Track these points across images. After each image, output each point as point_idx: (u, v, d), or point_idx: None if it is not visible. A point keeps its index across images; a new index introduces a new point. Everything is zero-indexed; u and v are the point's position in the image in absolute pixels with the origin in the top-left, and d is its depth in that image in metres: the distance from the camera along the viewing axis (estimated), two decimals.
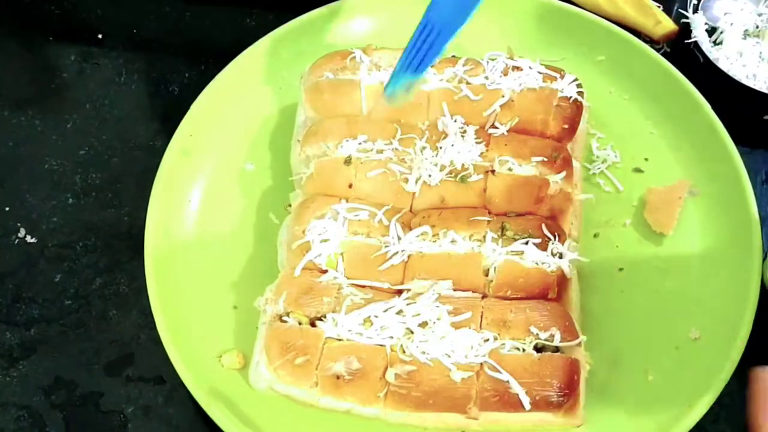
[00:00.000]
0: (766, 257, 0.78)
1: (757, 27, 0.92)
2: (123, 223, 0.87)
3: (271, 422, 0.73)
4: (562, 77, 0.82)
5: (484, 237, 0.74)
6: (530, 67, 0.83)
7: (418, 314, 0.69)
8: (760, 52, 0.89)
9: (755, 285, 0.76)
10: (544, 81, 0.82)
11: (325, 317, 0.70)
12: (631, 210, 0.84)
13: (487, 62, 0.83)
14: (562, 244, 0.73)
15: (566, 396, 0.66)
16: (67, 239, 0.86)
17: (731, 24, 0.91)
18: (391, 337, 0.69)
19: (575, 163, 0.80)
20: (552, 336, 0.68)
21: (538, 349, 0.69)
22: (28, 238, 0.86)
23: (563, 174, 0.77)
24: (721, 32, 0.91)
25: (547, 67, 0.83)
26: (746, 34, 0.92)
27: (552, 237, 0.73)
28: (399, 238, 0.74)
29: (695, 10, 0.92)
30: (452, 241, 0.74)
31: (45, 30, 1.01)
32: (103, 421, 0.77)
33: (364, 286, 0.73)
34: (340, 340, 0.69)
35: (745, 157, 0.83)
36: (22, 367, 0.79)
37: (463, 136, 0.79)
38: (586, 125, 0.85)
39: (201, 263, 0.82)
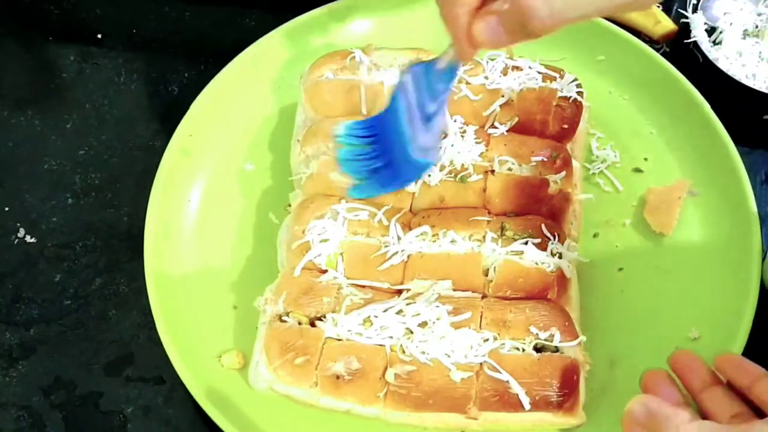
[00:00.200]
0: (766, 257, 0.78)
1: (757, 27, 0.91)
2: (122, 223, 0.87)
3: (271, 422, 0.73)
4: (561, 77, 0.82)
5: (484, 237, 0.74)
6: (530, 67, 0.83)
7: (418, 314, 0.69)
8: (760, 52, 0.89)
9: (755, 285, 0.76)
10: (543, 81, 0.82)
11: (324, 317, 0.70)
12: (631, 210, 0.84)
13: (487, 62, 0.83)
14: (562, 244, 0.74)
15: (566, 396, 0.66)
16: (66, 239, 0.86)
17: (731, 24, 0.91)
18: (391, 337, 0.69)
19: (575, 163, 0.80)
20: (552, 336, 0.68)
21: (538, 349, 0.69)
22: (28, 238, 0.86)
23: (563, 174, 0.77)
24: (721, 32, 0.91)
25: (547, 67, 0.83)
26: (746, 33, 0.92)
27: (552, 237, 0.73)
28: (399, 238, 0.74)
29: (695, 10, 0.92)
30: (452, 241, 0.74)
31: (44, 30, 1.01)
32: (102, 421, 0.77)
33: (363, 286, 0.73)
34: (339, 340, 0.69)
35: (744, 157, 0.83)
36: (21, 367, 0.79)
37: (462, 136, 0.79)
38: (586, 125, 0.85)
39: (200, 263, 0.82)
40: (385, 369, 0.67)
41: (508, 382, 0.66)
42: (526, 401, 0.65)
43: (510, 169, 0.77)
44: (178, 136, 0.86)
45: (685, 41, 0.91)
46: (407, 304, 0.70)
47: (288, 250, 0.75)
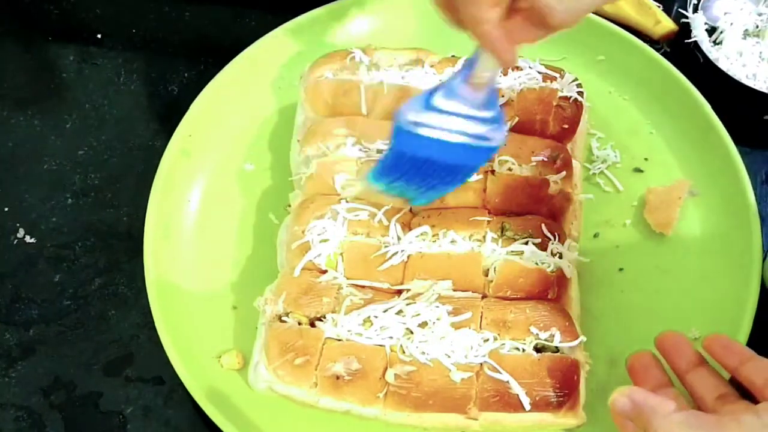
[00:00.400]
0: (766, 257, 0.78)
1: (757, 27, 0.91)
2: (122, 224, 0.87)
3: (271, 423, 0.73)
4: (562, 77, 0.82)
5: (484, 237, 0.74)
6: (530, 67, 0.83)
7: (418, 314, 0.69)
8: (760, 52, 0.89)
9: (755, 285, 0.76)
10: (544, 81, 0.82)
11: (324, 317, 0.70)
12: (631, 210, 0.84)
13: None
14: (562, 244, 0.73)
15: (566, 396, 0.66)
16: (66, 239, 0.86)
17: (731, 24, 0.91)
18: (391, 338, 0.69)
19: (575, 163, 0.80)
20: (552, 336, 0.68)
21: (538, 349, 0.69)
22: (27, 239, 0.86)
23: (563, 174, 0.76)
24: (721, 32, 0.91)
25: (547, 66, 0.83)
26: (746, 33, 0.92)
27: (552, 237, 0.73)
28: (399, 238, 0.74)
29: (695, 10, 0.92)
30: (452, 241, 0.74)
31: (44, 30, 1.01)
32: (102, 421, 0.76)
33: (363, 287, 0.73)
34: (339, 340, 0.69)
35: (745, 157, 0.83)
36: (21, 367, 0.79)
37: None
38: (586, 125, 0.85)
39: (200, 263, 0.82)
40: (385, 369, 0.67)
41: (508, 382, 0.66)
42: (526, 401, 0.65)
43: (510, 169, 0.77)
44: (177, 137, 0.86)
45: (686, 41, 0.91)
46: (407, 305, 0.70)
47: (288, 250, 0.75)
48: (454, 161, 0.69)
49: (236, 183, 0.87)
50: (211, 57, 0.96)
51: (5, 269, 0.85)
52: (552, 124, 0.80)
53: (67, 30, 1.01)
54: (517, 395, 0.65)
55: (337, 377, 0.67)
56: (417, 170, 0.69)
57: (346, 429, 0.72)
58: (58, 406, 0.77)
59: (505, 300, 0.71)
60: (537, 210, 0.76)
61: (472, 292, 0.72)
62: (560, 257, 0.73)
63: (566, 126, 0.80)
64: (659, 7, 0.95)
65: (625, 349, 0.74)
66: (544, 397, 0.66)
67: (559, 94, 0.81)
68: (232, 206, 0.85)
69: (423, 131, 0.66)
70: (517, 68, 0.83)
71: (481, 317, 0.70)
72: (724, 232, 0.81)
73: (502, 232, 0.74)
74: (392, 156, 0.70)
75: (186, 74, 0.96)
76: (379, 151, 0.78)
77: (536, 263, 0.72)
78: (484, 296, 0.72)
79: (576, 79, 0.83)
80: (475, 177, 0.76)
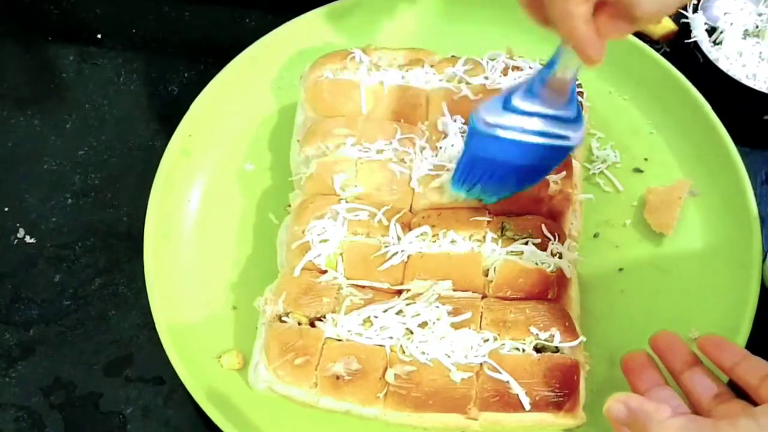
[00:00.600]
0: (767, 257, 0.78)
1: (757, 27, 0.91)
2: (122, 224, 0.87)
3: (271, 423, 0.73)
4: None
5: (484, 237, 0.74)
6: (530, 67, 0.83)
7: (418, 314, 0.69)
8: (760, 52, 0.89)
9: (755, 285, 0.76)
10: None
11: (324, 317, 0.70)
12: (631, 210, 0.84)
13: (487, 62, 0.83)
14: (562, 244, 0.73)
15: (566, 396, 0.66)
16: (66, 239, 0.86)
17: (731, 24, 0.91)
18: (391, 338, 0.68)
19: (575, 163, 0.80)
20: (552, 336, 0.68)
21: (538, 349, 0.68)
22: (27, 239, 0.86)
23: (563, 174, 0.76)
24: (721, 32, 0.91)
25: None
26: (746, 34, 0.92)
27: (552, 237, 0.73)
28: (399, 238, 0.74)
29: (695, 10, 0.92)
30: (452, 242, 0.74)
31: (44, 30, 1.01)
32: (102, 421, 0.76)
33: (363, 287, 0.73)
34: (339, 340, 0.69)
35: (745, 157, 0.83)
36: (20, 367, 0.79)
37: (463, 136, 0.78)
38: (586, 125, 0.85)
39: (200, 263, 0.82)
40: (385, 369, 0.67)
41: (508, 382, 0.66)
42: (526, 402, 0.65)
43: None
44: (177, 136, 0.86)
45: (686, 41, 0.91)
46: (407, 305, 0.70)
47: (288, 251, 0.75)
48: (531, 162, 0.68)
49: (236, 183, 0.87)
50: (211, 57, 0.96)
51: (5, 269, 0.85)
52: None
53: (67, 30, 1.01)
54: (517, 395, 0.65)
55: (337, 377, 0.67)
56: (493, 172, 0.69)
57: (346, 429, 0.72)
58: (58, 406, 0.77)
59: (505, 300, 0.71)
60: (537, 210, 0.76)
61: (472, 292, 0.72)
62: (560, 257, 0.73)
63: None
64: None
65: (625, 350, 0.74)
66: (544, 398, 0.66)
67: None
68: (232, 206, 0.85)
69: (500, 133, 0.66)
70: (517, 68, 0.83)
71: (481, 317, 0.70)
72: (725, 233, 0.81)
73: (502, 232, 0.74)
74: (468, 159, 0.69)
75: (186, 74, 0.96)
76: (379, 151, 0.78)
77: (536, 263, 0.72)
78: (484, 296, 0.72)
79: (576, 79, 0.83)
80: None
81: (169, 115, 0.90)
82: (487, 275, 0.73)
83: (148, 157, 0.88)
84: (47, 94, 0.96)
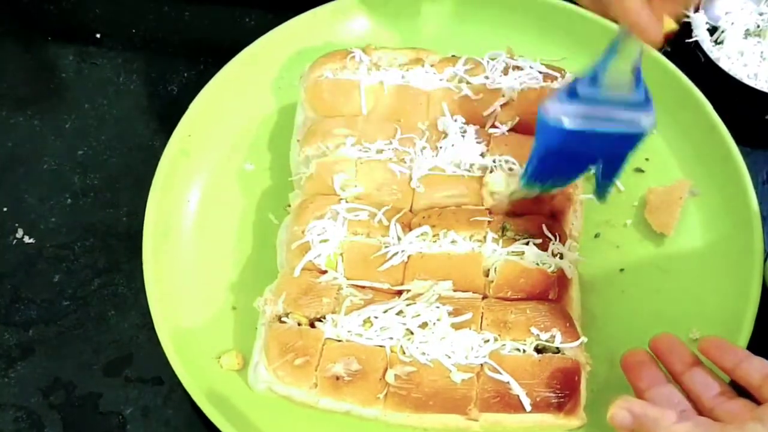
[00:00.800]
0: (767, 258, 0.78)
1: (758, 26, 0.91)
2: (122, 224, 0.86)
3: (270, 423, 0.73)
4: (562, 77, 0.82)
5: (485, 237, 0.73)
6: (531, 67, 0.82)
7: (418, 315, 0.69)
8: (762, 52, 0.89)
9: (756, 285, 0.76)
10: (544, 80, 0.81)
11: (324, 318, 0.70)
12: (632, 210, 0.84)
13: (488, 62, 0.83)
14: (563, 245, 0.73)
15: (567, 397, 0.66)
16: (65, 240, 0.86)
17: (732, 23, 0.91)
18: (391, 338, 0.68)
19: None
20: (553, 337, 0.68)
21: (539, 350, 0.68)
22: (27, 239, 0.86)
23: None
24: (722, 32, 0.91)
25: (548, 66, 0.83)
26: (747, 33, 0.91)
27: (552, 237, 0.73)
28: (399, 239, 0.74)
29: (696, 10, 0.92)
30: (452, 242, 0.73)
31: (44, 30, 1.01)
32: (101, 422, 0.76)
33: (363, 287, 0.73)
34: (339, 341, 0.69)
35: (746, 157, 0.82)
36: (20, 367, 0.79)
37: (463, 136, 0.78)
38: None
39: (200, 264, 0.82)
40: (385, 370, 0.67)
41: (508, 383, 0.66)
42: (526, 402, 0.65)
43: (511, 169, 0.77)
44: (177, 137, 0.85)
45: (687, 41, 0.91)
46: (407, 305, 0.70)
47: (288, 251, 0.75)
48: (604, 151, 0.68)
49: (236, 183, 0.87)
50: (211, 57, 0.96)
51: (5, 269, 0.84)
52: None
53: (67, 30, 1.01)
54: (518, 396, 0.65)
55: (337, 378, 0.67)
56: (567, 164, 0.69)
57: (346, 430, 0.72)
58: (57, 406, 0.77)
59: (505, 300, 0.71)
60: (538, 210, 0.76)
61: (473, 292, 0.72)
62: (561, 257, 0.73)
63: None
64: None
65: (626, 350, 0.74)
66: (544, 398, 0.66)
67: None
68: (231, 206, 0.85)
69: (568, 123, 0.65)
70: (518, 68, 0.82)
71: (482, 318, 0.69)
72: (725, 233, 0.81)
73: (502, 232, 0.74)
74: (540, 153, 0.69)
75: (186, 74, 0.96)
76: (379, 151, 0.78)
77: (537, 263, 0.72)
78: (484, 297, 0.72)
79: None
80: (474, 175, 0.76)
81: (168, 115, 0.90)
82: (487, 275, 0.73)
83: (147, 157, 0.88)
84: (47, 94, 0.96)
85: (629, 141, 0.68)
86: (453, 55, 0.84)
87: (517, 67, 0.82)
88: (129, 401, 0.77)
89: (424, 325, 0.68)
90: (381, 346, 0.68)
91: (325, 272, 0.73)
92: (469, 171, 0.77)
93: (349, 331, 0.69)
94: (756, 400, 0.62)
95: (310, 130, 0.81)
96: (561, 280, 0.72)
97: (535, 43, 0.92)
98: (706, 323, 0.76)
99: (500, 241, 0.73)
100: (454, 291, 0.72)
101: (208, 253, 0.82)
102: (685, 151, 0.86)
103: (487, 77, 0.82)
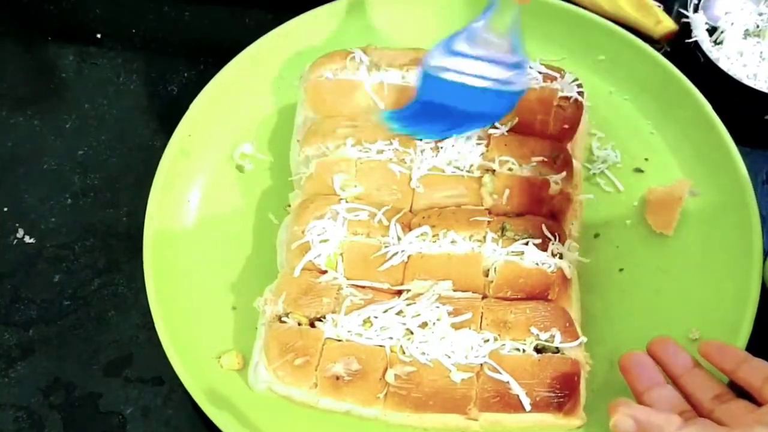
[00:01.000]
0: (767, 258, 0.78)
1: (758, 26, 0.91)
2: (122, 224, 0.87)
3: (270, 423, 0.73)
4: (562, 77, 0.82)
5: (484, 237, 0.73)
6: (530, 67, 0.82)
7: (418, 315, 0.69)
8: (761, 52, 0.89)
9: (756, 285, 0.76)
10: (544, 81, 0.82)
11: (324, 318, 0.70)
12: (632, 210, 0.84)
13: None
14: (563, 245, 0.73)
15: (567, 397, 0.66)
16: (65, 240, 0.86)
17: (732, 23, 0.91)
18: (391, 338, 0.68)
19: (575, 164, 0.79)
20: (552, 337, 0.68)
21: (539, 350, 0.68)
22: (27, 239, 0.86)
23: (563, 174, 0.76)
24: (722, 32, 0.91)
25: (548, 66, 0.83)
26: (747, 33, 0.91)
27: (552, 237, 0.73)
28: (399, 239, 0.74)
29: (696, 10, 0.92)
30: (452, 242, 0.73)
31: (44, 30, 1.01)
32: (101, 422, 0.76)
33: (363, 287, 0.73)
34: (339, 340, 0.69)
35: (745, 157, 0.82)
36: (20, 367, 0.79)
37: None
38: (587, 125, 0.85)
39: (200, 264, 0.82)
40: (385, 370, 0.67)
41: (508, 383, 0.66)
42: (526, 402, 0.65)
43: (510, 170, 0.77)
44: (177, 136, 0.85)
45: (686, 41, 0.91)
46: (407, 305, 0.70)
47: (288, 251, 0.75)
48: (478, 106, 0.69)
49: (236, 183, 0.87)
50: (211, 57, 0.96)
51: (5, 269, 0.85)
52: (552, 124, 0.80)
53: (67, 30, 1.01)
54: (518, 396, 0.65)
55: (337, 378, 0.67)
56: (440, 114, 0.69)
57: (346, 430, 0.72)
58: (57, 406, 0.77)
59: (505, 300, 0.71)
60: (538, 210, 0.76)
61: (473, 292, 0.72)
62: (561, 258, 0.73)
63: (566, 126, 0.80)
64: (660, 6, 0.95)
65: (626, 350, 0.74)
66: (544, 398, 0.66)
67: (560, 94, 0.81)
68: (232, 206, 0.85)
69: (446, 75, 0.66)
70: None
71: (482, 318, 0.69)
72: (725, 233, 0.81)
73: (502, 232, 0.74)
74: (417, 101, 0.70)
75: (186, 74, 0.96)
76: (379, 151, 0.78)
77: (537, 264, 0.72)
78: (484, 297, 0.72)
79: (576, 79, 0.82)
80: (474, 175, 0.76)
81: (168, 115, 0.90)
82: (487, 275, 0.73)
83: (147, 157, 0.88)
84: (47, 94, 0.96)
85: (503, 100, 0.70)
86: None
87: None
88: (129, 401, 0.77)
89: (424, 324, 0.69)
90: (381, 345, 0.68)
91: (325, 272, 0.73)
92: (469, 171, 0.77)
93: (349, 331, 0.69)
94: (755, 401, 0.62)
95: (310, 130, 0.81)
96: (561, 280, 0.72)
97: (535, 43, 0.92)
98: (705, 323, 0.76)
99: (500, 241, 0.73)
100: (454, 291, 0.72)
101: (208, 253, 0.82)
102: (685, 151, 0.86)
103: None
